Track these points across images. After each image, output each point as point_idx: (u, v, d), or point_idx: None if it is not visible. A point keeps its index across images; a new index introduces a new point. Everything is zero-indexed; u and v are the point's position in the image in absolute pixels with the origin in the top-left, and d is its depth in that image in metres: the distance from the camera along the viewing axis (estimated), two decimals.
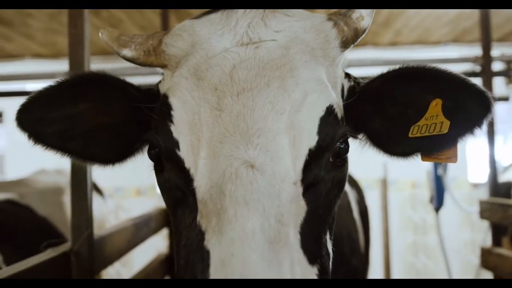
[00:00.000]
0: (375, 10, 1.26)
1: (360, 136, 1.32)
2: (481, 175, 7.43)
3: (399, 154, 1.27)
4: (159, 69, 1.29)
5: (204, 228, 0.95)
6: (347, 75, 1.33)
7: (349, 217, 2.01)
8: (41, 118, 1.27)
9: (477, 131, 1.16)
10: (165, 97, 1.10)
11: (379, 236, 6.75)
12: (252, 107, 0.99)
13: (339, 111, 1.09)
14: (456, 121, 1.14)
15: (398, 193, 7.53)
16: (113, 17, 6.00)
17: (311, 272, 0.97)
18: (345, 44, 1.20)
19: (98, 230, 2.12)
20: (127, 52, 1.27)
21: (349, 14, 1.22)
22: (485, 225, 4.23)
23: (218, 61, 1.08)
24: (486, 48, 3.46)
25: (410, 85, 1.22)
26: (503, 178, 4.42)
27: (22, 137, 1.28)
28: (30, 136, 1.27)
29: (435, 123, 1.16)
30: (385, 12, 6.20)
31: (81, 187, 1.89)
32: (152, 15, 5.93)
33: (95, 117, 1.34)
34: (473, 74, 3.58)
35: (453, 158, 1.21)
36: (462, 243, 7.42)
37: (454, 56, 3.86)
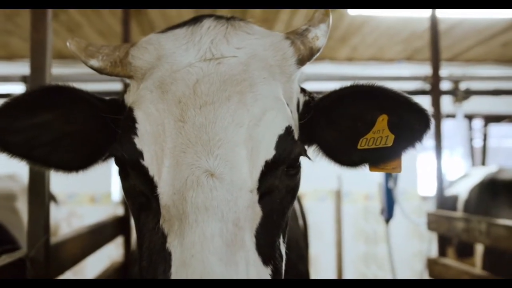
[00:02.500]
0: (329, 29, 1.38)
1: (313, 147, 1.42)
2: (430, 188, 7.71)
3: (348, 164, 1.36)
4: (126, 79, 1.33)
5: (166, 232, 1.01)
6: (303, 90, 1.43)
7: (296, 225, 2.09)
8: (6, 128, 1.31)
9: (418, 144, 1.26)
10: (130, 110, 1.15)
11: (333, 246, 6.89)
12: (213, 119, 1.05)
13: (296, 131, 1.18)
14: (400, 135, 1.25)
15: (351, 204, 7.72)
16: (71, 21, 5.90)
17: (265, 272, 1.04)
18: (301, 61, 1.30)
19: (52, 237, 2.09)
20: (94, 62, 1.32)
21: (306, 33, 1.33)
22: (433, 236, 4.41)
23: (182, 75, 1.13)
24: (435, 68, 3.64)
25: (360, 102, 1.33)
26: (450, 191, 4.62)
27: None
28: None
29: (381, 136, 1.26)
30: (342, 28, 6.39)
31: (38, 194, 1.87)
32: (112, 20, 5.87)
33: (60, 127, 1.38)
34: (423, 92, 3.77)
35: (398, 168, 1.31)
36: (411, 253, 7.66)
37: (406, 75, 4.04)
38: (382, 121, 1.26)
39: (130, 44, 1.33)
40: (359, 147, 1.30)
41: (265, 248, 1.06)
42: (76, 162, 1.42)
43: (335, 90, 1.36)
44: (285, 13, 5.80)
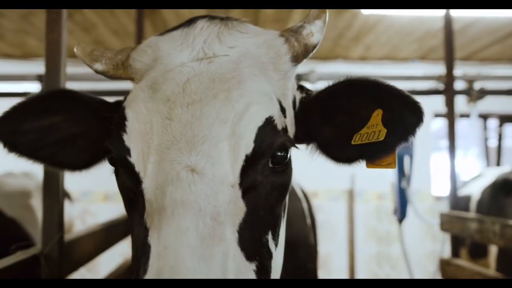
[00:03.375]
0: (325, 26, 1.35)
1: (311, 144, 1.40)
2: (444, 189, 7.65)
3: (344, 161, 1.35)
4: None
5: (148, 226, 1.04)
6: (301, 88, 1.43)
7: (304, 223, 2.10)
8: (15, 130, 1.41)
9: (411, 139, 1.23)
10: (123, 108, 1.19)
11: (345, 245, 6.88)
12: (199, 116, 1.07)
13: (280, 122, 1.15)
14: (393, 129, 1.23)
15: (364, 204, 7.69)
16: (86, 21, 5.96)
17: (248, 268, 1.04)
18: (296, 58, 1.30)
19: (66, 234, 2.12)
20: (98, 66, 1.40)
21: (300, 30, 1.33)
22: (445, 236, 4.38)
23: (173, 75, 1.17)
24: (450, 68, 3.61)
25: (355, 96, 1.31)
26: (463, 192, 4.59)
27: None
28: (5, 146, 1.40)
29: (374, 131, 1.25)
30: (356, 27, 6.37)
31: (53, 191, 1.91)
32: (126, 20, 5.92)
33: (65, 128, 1.47)
34: (437, 91, 3.74)
35: (393, 164, 1.28)
36: (424, 254, 7.61)
37: (420, 74, 4.01)
38: (377, 115, 1.25)
39: (132, 47, 1.38)
40: (353, 142, 1.29)
41: (250, 244, 1.06)
42: (80, 161, 1.50)
43: (329, 85, 1.35)
44: (297, 13, 5.79)
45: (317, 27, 1.34)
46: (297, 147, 1.25)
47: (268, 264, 1.13)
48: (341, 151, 1.34)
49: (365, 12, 5.72)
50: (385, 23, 6.19)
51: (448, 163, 3.54)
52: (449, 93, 3.57)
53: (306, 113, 1.36)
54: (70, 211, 4.03)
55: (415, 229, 7.25)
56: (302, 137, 1.38)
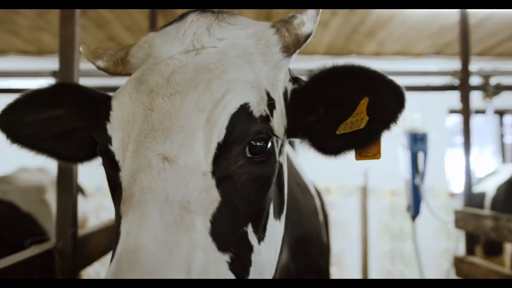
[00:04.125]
0: (319, 15, 1.31)
1: (301, 136, 1.35)
2: (458, 185, 7.58)
3: (332, 153, 1.30)
4: None
5: (121, 213, 1.05)
6: (295, 80, 1.39)
7: (316, 220, 2.09)
8: (18, 122, 1.44)
9: (392, 126, 1.19)
10: (110, 99, 1.21)
11: (358, 242, 6.85)
12: (179, 106, 1.07)
13: (258, 110, 1.12)
14: (374, 117, 1.19)
15: (377, 201, 7.65)
16: (100, 18, 6.00)
17: (219, 259, 1.02)
18: (287, 49, 1.28)
19: (80, 229, 2.14)
20: (100, 63, 1.44)
21: (291, 20, 1.29)
22: (460, 234, 4.34)
23: (160, 67, 1.17)
24: (465, 63, 3.56)
25: (341, 84, 1.27)
26: (477, 189, 4.53)
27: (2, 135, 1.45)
28: (8, 137, 1.45)
29: (357, 119, 1.21)
30: (369, 22, 6.32)
31: (66, 186, 1.92)
32: (140, 16, 5.95)
33: (67, 121, 1.49)
34: (452, 87, 3.69)
35: (378, 154, 1.24)
36: (438, 251, 7.55)
37: (435, 69, 3.97)
38: (363, 104, 1.20)
39: (132, 44, 1.40)
40: (337, 132, 1.25)
41: (224, 234, 1.04)
42: (81, 154, 1.53)
43: (315, 74, 1.31)
44: None
45: (309, 16, 1.30)
46: (277, 137, 1.21)
47: (246, 257, 1.10)
48: (327, 142, 1.29)
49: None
50: (399, 18, 6.13)
51: (463, 160, 3.51)
52: (464, 88, 3.53)
53: (294, 104, 1.33)
54: (84, 206, 4.07)
55: (429, 226, 7.19)
56: (294, 130, 1.34)
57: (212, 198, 1.04)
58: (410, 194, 4.89)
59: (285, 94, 1.33)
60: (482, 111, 5.12)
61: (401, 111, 1.17)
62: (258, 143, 1.13)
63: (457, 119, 7.89)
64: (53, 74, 3.40)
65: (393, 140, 5.80)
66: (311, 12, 1.30)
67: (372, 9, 5.80)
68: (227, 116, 1.07)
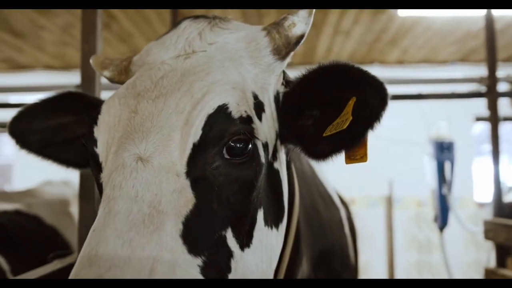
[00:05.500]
0: (312, 16, 1.27)
1: (294, 141, 1.30)
2: (487, 195, 7.40)
3: (320, 156, 1.24)
4: None
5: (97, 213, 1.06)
6: (288, 82, 1.34)
7: (341, 232, 2.03)
8: (27, 129, 1.51)
9: (376, 125, 1.13)
10: (102, 103, 1.22)
11: (384, 253, 6.72)
12: (161, 108, 1.07)
13: (238, 111, 1.09)
14: (357, 116, 1.13)
15: (403, 211, 7.51)
16: (123, 31, 6.09)
17: (189, 262, 0.97)
18: (278, 51, 1.26)
19: None
20: (106, 73, 1.48)
21: (282, 22, 1.27)
22: (490, 245, 4.21)
23: (151, 72, 1.19)
24: (492, 69, 3.48)
25: (328, 85, 1.22)
26: (508, 198, 4.40)
27: None
28: (17, 143, 1.51)
29: (343, 120, 1.15)
30: (392, 30, 6.25)
31: (88, 199, 1.93)
32: (161, 28, 6.01)
33: (74, 129, 1.54)
34: (479, 94, 3.60)
35: (365, 157, 1.19)
36: (468, 263, 7.36)
37: (460, 76, 3.89)
38: (351, 104, 1.15)
39: (135, 54, 1.42)
40: (324, 134, 1.20)
41: (197, 237, 1.00)
42: (84, 160, 1.54)
43: (303, 75, 1.26)
44: (333, 17, 5.73)
45: (300, 17, 1.26)
46: (258, 139, 1.15)
47: (223, 263, 1.05)
48: (317, 145, 1.23)
49: (402, 14, 5.61)
50: (423, 25, 6.05)
51: (491, 168, 3.41)
52: (492, 95, 3.44)
53: (284, 107, 1.29)
54: None
55: (458, 237, 7.02)
56: (286, 134, 1.30)
57: (186, 199, 1.02)
58: (437, 205, 4.77)
59: (276, 97, 1.30)
60: (510, 118, 4.99)
61: (384, 109, 1.12)
62: (238, 145, 1.09)
63: (484, 126, 7.72)
64: (78, 88, 3.45)
65: (419, 149, 5.72)
66: (302, 13, 1.27)
67: (395, 16, 5.74)
68: (204, 117, 1.06)
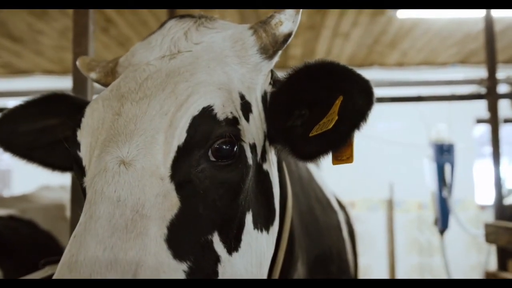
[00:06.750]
0: (300, 14, 1.24)
1: (281, 142, 1.26)
2: (488, 197, 7.36)
3: (307, 157, 1.20)
4: None
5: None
6: (276, 82, 1.31)
7: (339, 237, 2.00)
8: (11, 131, 1.48)
9: (363, 125, 1.09)
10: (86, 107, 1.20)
11: (385, 257, 6.69)
12: (145, 110, 1.05)
13: (223, 112, 1.07)
14: (343, 116, 1.10)
15: (404, 214, 7.47)
16: (121, 35, 6.08)
17: (174, 267, 0.95)
18: (265, 50, 1.23)
19: None
20: (93, 75, 1.45)
21: (269, 21, 1.24)
22: (489, 248, 4.17)
23: (135, 74, 1.16)
24: (492, 71, 3.46)
25: (315, 83, 1.19)
26: (508, 200, 4.37)
27: None
28: (1, 145, 1.48)
29: (329, 119, 1.12)
30: (391, 32, 6.23)
31: (81, 204, 1.89)
32: None
33: (59, 131, 1.50)
34: (479, 96, 3.58)
35: (351, 158, 1.16)
36: (469, 266, 7.32)
37: (460, 78, 3.87)
38: (337, 103, 1.12)
39: (122, 55, 1.40)
40: (310, 134, 1.16)
41: (182, 242, 0.98)
42: (70, 164, 1.50)
43: (289, 74, 1.23)
44: (332, 19, 5.71)
45: (287, 15, 1.23)
46: (244, 141, 1.13)
47: (210, 268, 1.02)
48: (304, 146, 1.19)
49: (401, 16, 5.59)
50: (422, 26, 6.03)
51: (492, 171, 3.38)
52: (492, 97, 3.42)
53: (272, 107, 1.26)
54: None
55: (459, 240, 6.98)
56: (274, 135, 1.26)
57: (170, 203, 0.99)
58: (438, 207, 4.74)
59: (264, 97, 1.27)
60: (510, 120, 4.96)
61: (370, 108, 1.08)
62: (224, 147, 1.07)
63: (485, 128, 7.70)
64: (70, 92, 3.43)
65: (420, 152, 5.69)
66: (289, 11, 1.24)
67: (394, 19, 5.72)
68: (188, 119, 1.03)
